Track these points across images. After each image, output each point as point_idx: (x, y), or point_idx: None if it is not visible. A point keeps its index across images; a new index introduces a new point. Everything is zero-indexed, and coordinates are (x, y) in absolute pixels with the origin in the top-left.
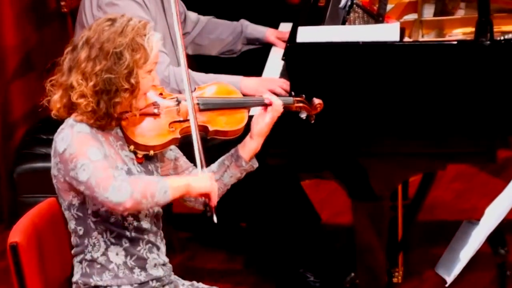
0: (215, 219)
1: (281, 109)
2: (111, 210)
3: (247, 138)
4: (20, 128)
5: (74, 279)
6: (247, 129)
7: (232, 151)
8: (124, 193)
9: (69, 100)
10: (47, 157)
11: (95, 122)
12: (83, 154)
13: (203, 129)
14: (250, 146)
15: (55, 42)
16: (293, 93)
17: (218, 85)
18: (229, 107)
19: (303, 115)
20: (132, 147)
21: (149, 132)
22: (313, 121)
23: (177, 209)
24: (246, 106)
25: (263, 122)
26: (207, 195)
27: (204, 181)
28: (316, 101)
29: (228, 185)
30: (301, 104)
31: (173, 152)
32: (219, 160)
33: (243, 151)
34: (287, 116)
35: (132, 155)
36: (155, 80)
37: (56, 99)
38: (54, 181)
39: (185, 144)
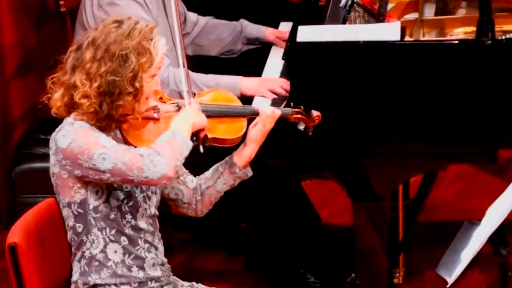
0: (201, 149)
1: (273, 116)
2: (154, 186)
3: (242, 144)
4: (18, 128)
5: (73, 278)
6: (244, 137)
7: (227, 158)
8: (160, 166)
9: (71, 99)
10: (46, 157)
11: (95, 123)
12: (95, 144)
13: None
14: (244, 153)
15: (54, 41)
16: (292, 104)
17: (218, 92)
18: (228, 115)
19: (301, 127)
20: None
21: (148, 136)
22: (310, 133)
23: (176, 210)
24: (244, 115)
25: (257, 129)
26: (202, 129)
27: (203, 117)
28: (315, 113)
29: (221, 192)
30: (299, 116)
31: None
32: (214, 166)
33: (237, 157)
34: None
35: None
36: (158, 85)
37: (57, 97)
38: (53, 179)
39: None
